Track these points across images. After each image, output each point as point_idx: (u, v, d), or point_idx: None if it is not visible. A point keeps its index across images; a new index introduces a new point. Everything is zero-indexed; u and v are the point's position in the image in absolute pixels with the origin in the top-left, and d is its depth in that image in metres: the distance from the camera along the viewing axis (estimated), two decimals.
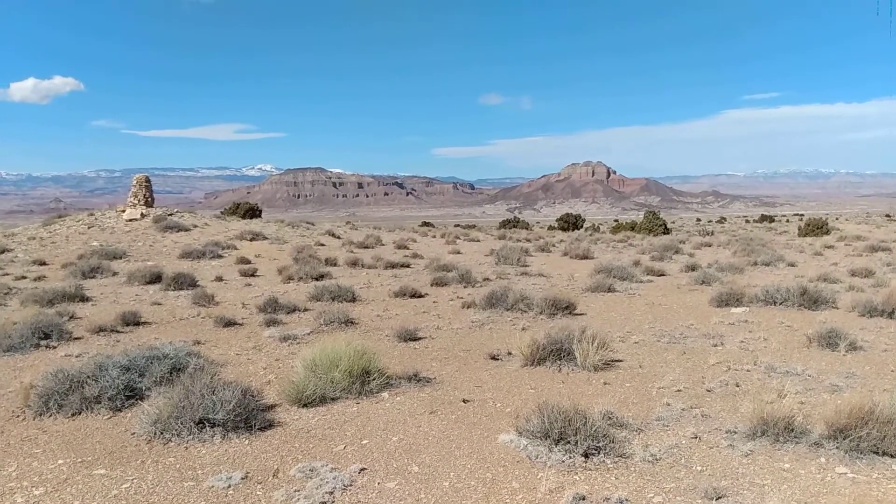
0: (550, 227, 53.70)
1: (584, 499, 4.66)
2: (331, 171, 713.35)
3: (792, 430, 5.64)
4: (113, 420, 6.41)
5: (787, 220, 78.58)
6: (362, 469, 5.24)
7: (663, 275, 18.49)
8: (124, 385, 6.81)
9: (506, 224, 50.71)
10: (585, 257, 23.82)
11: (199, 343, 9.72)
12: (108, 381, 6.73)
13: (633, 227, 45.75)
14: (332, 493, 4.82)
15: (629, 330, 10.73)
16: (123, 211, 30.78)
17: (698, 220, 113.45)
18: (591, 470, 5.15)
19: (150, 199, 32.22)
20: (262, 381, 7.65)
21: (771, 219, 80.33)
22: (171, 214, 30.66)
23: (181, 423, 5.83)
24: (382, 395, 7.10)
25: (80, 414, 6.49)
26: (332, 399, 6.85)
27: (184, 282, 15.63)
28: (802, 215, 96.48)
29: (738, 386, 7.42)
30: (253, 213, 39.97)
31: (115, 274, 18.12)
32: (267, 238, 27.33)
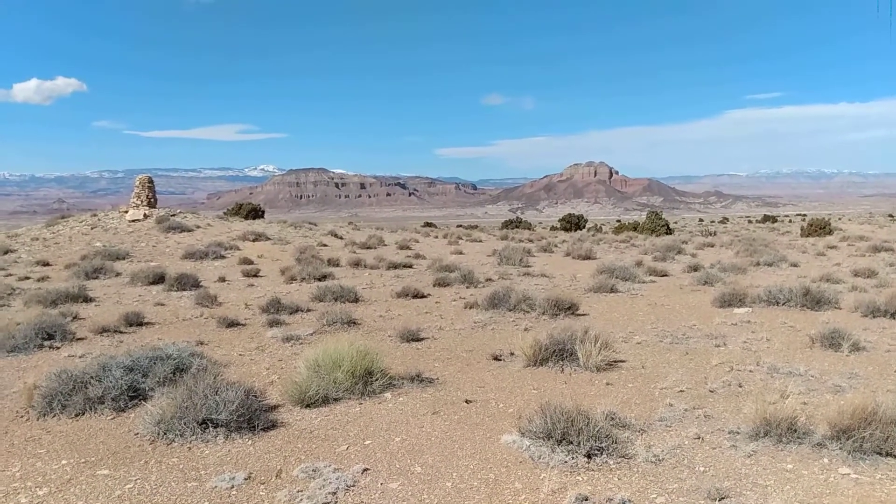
0: (553, 228, 53.68)
1: (586, 499, 4.66)
2: (333, 172, 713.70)
3: (795, 430, 5.64)
4: (116, 420, 6.42)
5: (790, 221, 78.45)
6: (365, 469, 5.25)
7: (666, 275, 18.48)
8: (128, 385, 6.83)
9: (508, 224, 50.72)
10: (588, 258, 23.81)
11: (202, 343, 9.73)
12: (111, 382, 6.75)
13: (635, 227, 45.71)
14: (335, 493, 4.82)
15: (632, 330, 10.72)
16: (126, 211, 30.84)
17: (701, 220, 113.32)
18: (593, 470, 5.15)
19: (152, 200, 32.27)
20: (265, 382, 7.66)
21: (773, 219, 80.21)
22: (173, 215, 30.70)
23: (184, 424, 5.84)
24: (385, 395, 7.11)
25: (83, 414, 6.50)
26: (335, 399, 6.85)
27: (187, 282, 15.65)
28: (805, 215, 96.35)
29: (740, 386, 7.42)
30: (255, 213, 40.02)
31: (118, 274, 18.15)
32: (269, 239, 27.36)
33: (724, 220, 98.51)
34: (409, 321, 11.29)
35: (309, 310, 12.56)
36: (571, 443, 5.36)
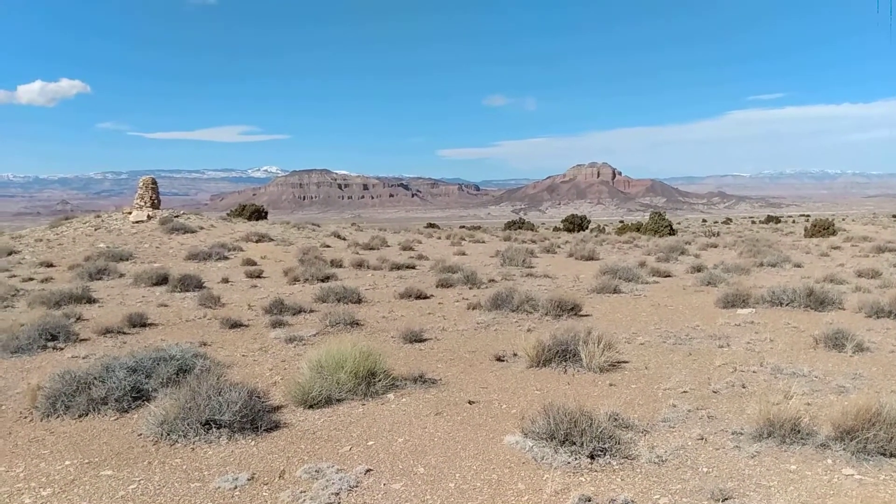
0: (556, 229, 53.67)
1: (589, 500, 4.66)
2: (336, 173, 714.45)
3: (798, 431, 5.63)
4: (120, 421, 6.44)
5: (794, 221, 78.29)
6: (368, 470, 5.25)
7: (669, 276, 18.46)
8: (131, 386, 6.84)
9: (511, 225, 50.70)
10: (591, 258, 23.80)
11: (205, 344, 9.75)
12: (114, 383, 6.76)
13: (638, 228, 45.68)
14: (337, 494, 4.83)
15: (635, 331, 10.71)
16: (130, 213, 30.89)
17: (704, 220, 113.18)
18: (596, 471, 5.15)
19: (156, 201, 32.32)
20: (268, 383, 7.67)
21: (777, 220, 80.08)
22: (177, 216, 30.74)
23: (188, 425, 5.85)
24: (388, 396, 7.11)
25: (87, 415, 6.52)
26: (338, 400, 6.86)
27: (190, 283, 15.67)
28: (808, 216, 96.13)
29: (744, 387, 7.41)
30: (259, 214, 40.07)
31: (121, 275, 18.19)
32: (273, 240, 27.39)
33: (728, 221, 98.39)
34: (412, 322, 11.30)
35: (312, 311, 12.57)
36: (574, 444, 5.36)
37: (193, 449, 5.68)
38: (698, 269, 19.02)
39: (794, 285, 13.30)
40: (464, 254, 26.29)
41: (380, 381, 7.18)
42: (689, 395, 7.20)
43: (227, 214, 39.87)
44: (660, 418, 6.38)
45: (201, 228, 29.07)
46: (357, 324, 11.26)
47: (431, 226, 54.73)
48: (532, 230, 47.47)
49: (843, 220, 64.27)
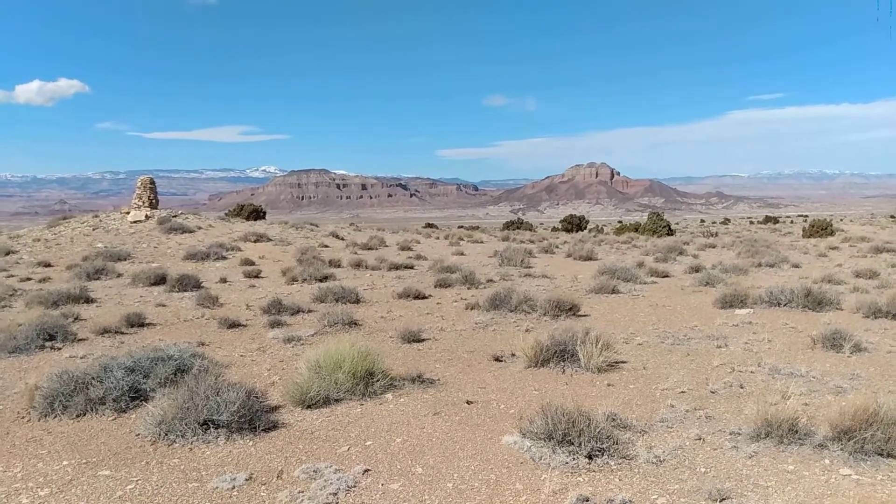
0: (554, 229, 53.68)
1: (587, 500, 4.66)
2: (334, 173, 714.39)
3: (796, 431, 5.64)
4: (117, 421, 6.43)
5: (792, 222, 78.42)
6: (366, 470, 5.25)
7: (667, 276, 18.48)
8: (129, 386, 6.83)
9: (509, 225, 50.71)
10: (589, 259, 23.81)
11: (203, 344, 9.74)
12: (112, 383, 6.76)
13: (636, 228, 45.71)
14: (335, 494, 4.83)
15: (633, 331, 10.72)
16: (128, 213, 30.87)
17: (702, 221, 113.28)
18: (594, 471, 5.15)
19: (154, 201, 32.30)
20: (266, 383, 7.66)
21: (775, 220, 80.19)
22: (175, 216, 30.71)
23: (185, 425, 5.84)
24: (386, 396, 7.11)
25: (84, 415, 6.51)
26: (336, 400, 6.86)
27: (188, 283, 15.66)
28: (807, 216, 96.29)
29: (742, 387, 7.41)
30: (257, 214, 40.05)
31: (119, 275, 18.17)
32: (271, 239, 27.38)
33: (726, 221, 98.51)
34: (411, 322, 11.30)
35: (310, 311, 12.56)
36: (572, 444, 5.36)
37: (191, 449, 5.68)
38: (696, 270, 19.03)
39: (792, 286, 13.32)
40: (462, 254, 26.29)
41: (378, 381, 7.18)
42: (687, 395, 7.20)
43: (226, 214, 39.84)
44: (658, 418, 6.38)
45: (199, 228, 29.05)
46: (355, 324, 11.26)
47: (430, 226, 54.75)
48: (530, 230, 47.49)
49: (842, 220, 64.38)
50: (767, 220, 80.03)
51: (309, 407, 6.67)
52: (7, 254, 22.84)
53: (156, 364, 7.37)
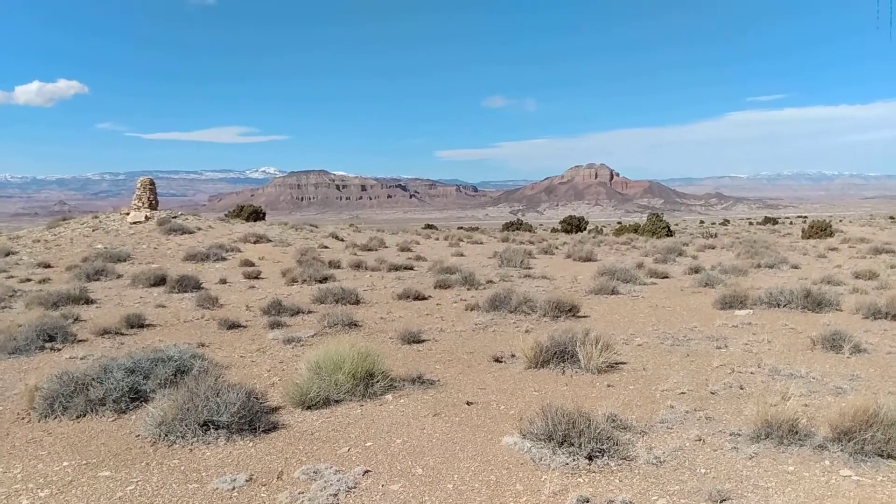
0: (553, 230, 53.69)
1: (587, 501, 4.67)
2: (334, 174, 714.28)
3: (796, 432, 5.64)
4: (117, 422, 6.43)
5: (791, 223, 78.41)
6: (366, 471, 5.25)
7: (667, 277, 18.49)
8: (129, 387, 6.83)
9: (509, 226, 50.74)
10: (588, 260, 23.82)
11: (203, 345, 9.74)
12: (112, 384, 6.75)
13: (636, 229, 45.73)
14: (335, 495, 4.83)
15: (633, 332, 10.72)
16: (128, 213, 30.86)
17: (702, 222, 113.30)
18: (594, 472, 5.15)
19: (154, 202, 32.30)
20: (266, 384, 7.66)
21: (774, 221, 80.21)
22: (175, 217, 30.71)
23: (186, 426, 5.84)
24: (386, 397, 7.11)
25: (84, 416, 6.51)
26: (336, 401, 6.86)
27: (188, 284, 15.67)
28: (806, 217, 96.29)
29: (741, 388, 7.42)
30: (257, 215, 40.06)
31: (119, 276, 18.17)
32: (271, 240, 27.38)
33: (725, 222, 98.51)
34: (410, 323, 11.30)
35: (310, 312, 12.56)
36: (573, 445, 5.36)
37: (191, 450, 5.68)
38: (696, 271, 19.04)
39: (792, 287, 13.33)
40: (462, 255, 26.29)
41: (378, 382, 7.18)
42: (687, 396, 7.20)
43: (225, 215, 39.85)
44: (658, 419, 6.39)
45: (199, 229, 29.05)
46: (355, 325, 11.26)
47: (429, 227, 54.73)
48: (530, 231, 47.50)
49: (841, 221, 64.44)
50: (767, 221, 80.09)
51: (309, 408, 6.67)
52: (7, 255, 22.83)
53: (156, 365, 7.37)
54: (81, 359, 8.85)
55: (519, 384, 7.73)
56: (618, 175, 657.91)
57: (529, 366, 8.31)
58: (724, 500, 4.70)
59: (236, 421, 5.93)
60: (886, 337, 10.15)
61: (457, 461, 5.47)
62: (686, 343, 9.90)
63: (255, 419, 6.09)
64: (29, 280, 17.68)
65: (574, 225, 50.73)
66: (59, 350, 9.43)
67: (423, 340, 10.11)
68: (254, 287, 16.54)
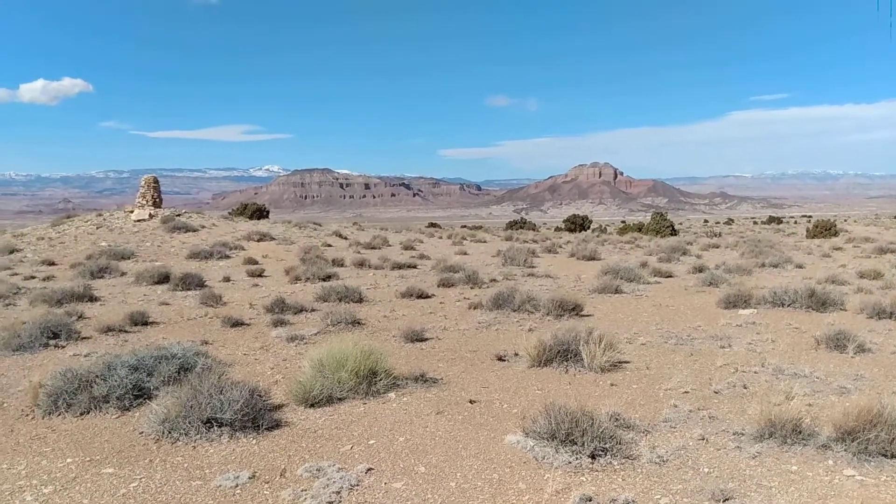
0: (557, 229, 53.67)
1: (590, 500, 4.66)
2: (338, 173, 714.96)
3: (800, 432, 5.63)
4: (121, 419, 6.44)
5: (795, 222, 78.24)
6: (369, 469, 5.26)
7: (671, 276, 18.45)
8: (132, 384, 6.85)
9: (512, 225, 50.70)
10: (592, 258, 23.79)
11: (206, 343, 9.76)
12: (116, 381, 6.77)
13: (640, 228, 45.67)
14: (338, 492, 4.83)
15: (636, 331, 10.71)
16: (132, 211, 30.93)
17: (706, 221, 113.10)
18: (597, 471, 5.15)
19: (158, 200, 32.36)
20: (269, 381, 7.67)
21: (779, 220, 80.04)
22: (178, 215, 30.78)
23: (189, 423, 5.85)
24: (389, 395, 7.11)
25: (88, 413, 6.53)
26: (339, 399, 6.86)
27: (191, 282, 15.69)
28: (810, 217, 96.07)
29: (745, 388, 7.40)
30: (260, 213, 40.11)
31: (123, 274, 18.21)
32: (274, 239, 27.42)
33: (730, 222, 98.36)
34: (414, 321, 11.30)
35: (313, 310, 12.57)
36: (575, 443, 5.36)
37: (195, 447, 5.69)
38: (700, 270, 19.01)
39: (796, 286, 13.30)
40: (465, 253, 26.29)
41: (381, 380, 7.19)
42: (691, 395, 7.19)
43: (229, 213, 39.91)
44: (661, 418, 6.38)
45: (203, 227, 29.10)
46: (358, 323, 11.27)
47: (433, 225, 54.73)
48: (533, 230, 47.48)
49: (845, 221, 64.28)
50: (771, 220, 79.90)
51: (312, 406, 6.68)
52: (11, 252, 22.91)
53: (159, 362, 7.39)
54: (85, 356, 8.87)
55: (522, 383, 7.72)
56: (622, 174, 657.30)
57: (532, 364, 8.31)
58: (728, 500, 4.69)
59: (239, 418, 5.94)
60: (891, 337, 10.12)
61: (459, 459, 5.47)
62: (690, 342, 9.88)
63: (258, 417, 6.10)
64: (33, 277, 17.74)
65: (578, 224, 50.68)
66: (63, 347, 9.45)
67: (427, 339, 10.11)
68: (257, 285, 16.57)
